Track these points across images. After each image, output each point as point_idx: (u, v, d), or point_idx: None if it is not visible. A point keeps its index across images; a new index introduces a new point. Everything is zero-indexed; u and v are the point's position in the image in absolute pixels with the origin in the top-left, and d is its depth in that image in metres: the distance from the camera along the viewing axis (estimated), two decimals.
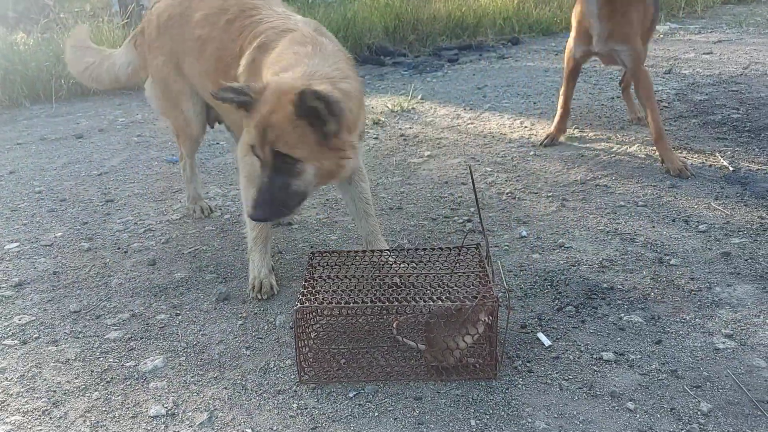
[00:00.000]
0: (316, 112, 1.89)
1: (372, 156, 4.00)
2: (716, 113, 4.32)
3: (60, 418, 1.87)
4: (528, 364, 1.98)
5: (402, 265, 2.43)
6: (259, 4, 2.49)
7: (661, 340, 2.06)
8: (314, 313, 2.15)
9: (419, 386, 1.92)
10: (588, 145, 3.92)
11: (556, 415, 1.77)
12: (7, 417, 1.88)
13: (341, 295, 2.12)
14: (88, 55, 3.14)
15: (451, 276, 2.26)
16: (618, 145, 3.85)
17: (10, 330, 2.35)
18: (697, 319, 2.16)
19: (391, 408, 1.83)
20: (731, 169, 3.37)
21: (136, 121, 5.19)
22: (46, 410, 1.91)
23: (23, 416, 1.89)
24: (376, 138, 4.34)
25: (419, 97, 5.34)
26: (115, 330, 2.32)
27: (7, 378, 2.07)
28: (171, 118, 2.97)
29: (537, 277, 2.49)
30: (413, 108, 5.01)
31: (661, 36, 7.27)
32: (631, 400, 1.81)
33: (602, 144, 3.90)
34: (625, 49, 3.48)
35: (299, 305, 1.95)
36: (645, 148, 3.76)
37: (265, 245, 2.50)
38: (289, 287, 2.52)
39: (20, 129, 5.14)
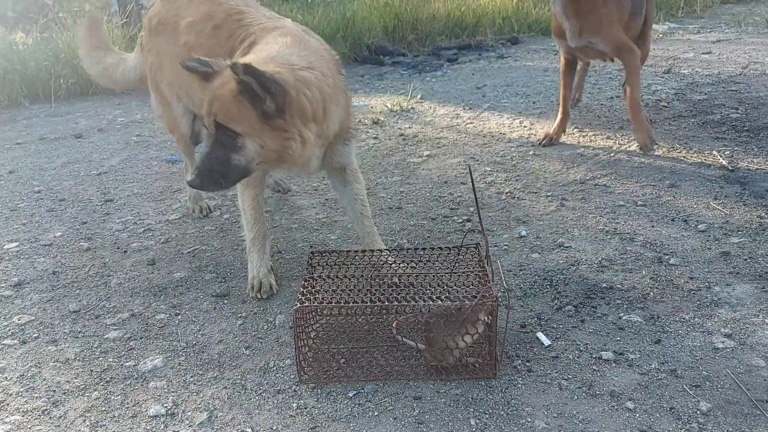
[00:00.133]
0: (252, 88, 1.93)
1: (371, 156, 4.01)
2: (715, 113, 4.32)
3: (59, 417, 1.87)
4: (527, 364, 1.99)
5: (401, 265, 2.43)
6: (245, 9, 2.53)
7: (660, 340, 2.06)
8: (314, 313, 2.15)
9: (419, 386, 1.92)
10: (587, 144, 3.92)
11: (555, 415, 1.77)
12: (7, 417, 1.89)
13: (341, 294, 2.12)
14: (109, 57, 3.24)
15: (450, 276, 2.26)
16: (617, 145, 3.85)
17: (9, 330, 2.35)
18: (696, 319, 2.16)
19: (391, 407, 1.83)
20: (730, 168, 3.37)
21: (135, 121, 5.19)
22: (46, 410, 1.91)
23: (23, 416, 1.89)
24: (375, 138, 4.34)
25: (418, 96, 5.34)
26: (115, 330, 2.32)
27: (6, 378, 2.07)
28: (165, 117, 3.05)
29: (536, 277, 2.49)
30: (412, 108, 5.01)
31: (660, 36, 7.27)
32: (630, 400, 1.81)
33: (601, 144, 3.90)
34: (599, 40, 3.58)
35: (299, 305, 1.96)
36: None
37: (263, 245, 2.51)
38: (288, 287, 2.52)
39: (19, 129, 5.14)
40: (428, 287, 2.17)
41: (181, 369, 2.07)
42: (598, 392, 1.85)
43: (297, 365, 1.96)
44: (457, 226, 2.98)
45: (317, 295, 2.10)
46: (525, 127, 4.37)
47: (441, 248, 2.40)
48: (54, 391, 2.00)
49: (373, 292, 2.10)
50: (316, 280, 2.22)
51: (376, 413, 1.82)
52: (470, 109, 4.93)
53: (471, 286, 2.15)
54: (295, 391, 1.93)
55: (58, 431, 1.82)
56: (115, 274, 2.73)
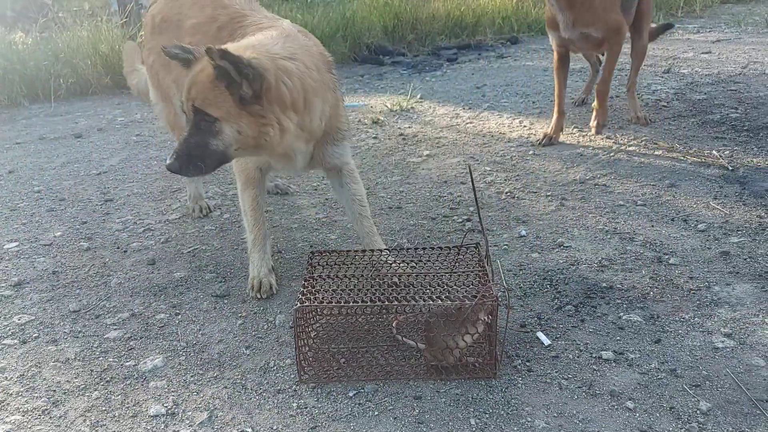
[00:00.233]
0: (228, 73, 1.96)
1: (371, 155, 4.01)
2: (715, 112, 4.32)
3: (60, 417, 1.87)
4: (527, 363, 1.99)
5: (401, 265, 2.44)
6: (248, 13, 2.56)
7: (660, 339, 2.06)
8: (314, 313, 2.15)
9: (419, 385, 1.92)
10: (587, 144, 3.92)
11: (555, 414, 1.77)
12: (7, 416, 1.89)
13: (341, 294, 2.12)
14: (137, 75, 3.36)
15: (450, 275, 2.26)
16: (617, 145, 3.85)
17: (9, 329, 2.35)
18: (696, 318, 2.16)
19: (391, 407, 1.84)
20: (730, 168, 3.37)
21: (135, 121, 5.19)
22: (46, 410, 1.91)
23: (23, 416, 1.89)
24: (375, 137, 4.34)
25: (418, 96, 5.34)
26: (115, 329, 2.32)
27: (6, 377, 2.07)
28: (165, 114, 3.06)
29: (536, 277, 2.49)
30: (412, 107, 5.02)
31: (660, 35, 7.27)
32: (630, 399, 1.81)
33: (601, 143, 3.90)
34: (593, 29, 3.65)
35: (299, 304, 1.96)
36: (644, 148, 3.76)
37: (264, 245, 2.51)
38: (288, 287, 2.52)
39: (19, 128, 5.14)
40: (428, 287, 2.17)
41: (182, 369, 2.07)
42: (598, 392, 1.85)
43: (297, 365, 1.96)
44: (456, 225, 2.98)
45: (317, 295, 2.10)
46: (525, 126, 4.37)
47: (441, 248, 2.40)
48: (54, 390, 2.00)
49: (373, 291, 2.10)
50: (316, 279, 2.22)
51: (376, 413, 1.82)
52: (470, 108, 4.93)
53: (471, 286, 2.15)
54: (295, 390, 1.93)
55: (59, 431, 1.82)
56: (115, 273, 2.73)
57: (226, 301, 2.47)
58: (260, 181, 2.54)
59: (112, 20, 6.90)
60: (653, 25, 4.86)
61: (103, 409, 1.90)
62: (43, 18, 7.15)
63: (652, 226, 2.84)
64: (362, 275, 2.29)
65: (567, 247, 2.70)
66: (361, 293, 2.10)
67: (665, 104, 4.60)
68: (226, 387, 1.97)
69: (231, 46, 2.05)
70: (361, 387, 1.92)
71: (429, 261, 2.37)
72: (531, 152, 3.86)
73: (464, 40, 7.61)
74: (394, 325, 2.15)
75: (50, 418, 1.87)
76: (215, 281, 2.62)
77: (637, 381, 1.88)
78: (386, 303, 1.99)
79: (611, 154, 3.71)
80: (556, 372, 1.94)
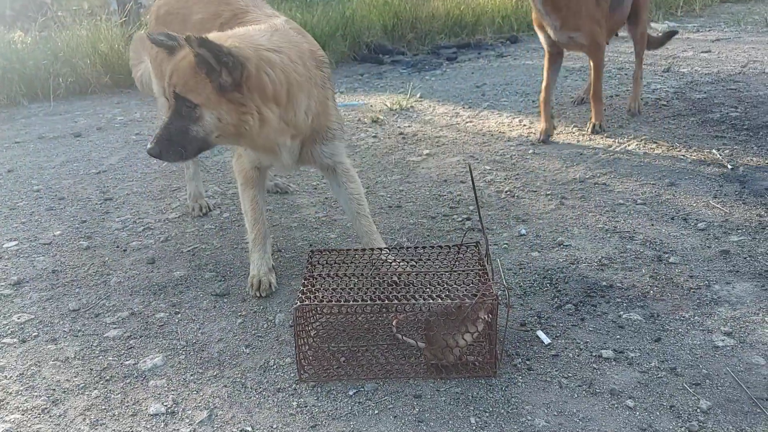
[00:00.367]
0: (207, 61, 1.99)
1: (371, 154, 4.00)
2: (715, 111, 4.32)
3: (59, 416, 1.87)
4: (527, 362, 1.99)
5: (401, 264, 2.43)
6: (250, 9, 2.58)
7: (660, 338, 2.06)
8: (314, 311, 2.15)
9: (419, 384, 1.92)
10: (587, 143, 3.92)
11: (555, 413, 1.77)
12: (7, 415, 1.88)
13: (341, 293, 2.12)
14: (142, 66, 3.37)
15: (450, 274, 2.26)
16: (616, 144, 3.85)
17: (9, 328, 2.34)
18: (696, 317, 2.16)
19: (391, 406, 1.83)
20: (730, 167, 3.37)
21: (134, 120, 5.18)
22: (46, 408, 1.91)
23: (22, 414, 1.89)
24: (374, 136, 4.34)
25: (418, 95, 5.33)
26: (115, 328, 2.32)
27: (6, 376, 2.07)
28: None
29: (536, 275, 2.49)
30: (412, 106, 5.01)
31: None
32: (630, 398, 1.81)
33: (601, 142, 3.90)
34: (578, 35, 3.78)
35: (299, 303, 1.95)
36: (644, 147, 3.76)
37: (264, 245, 2.52)
38: (288, 285, 2.52)
39: (18, 127, 5.14)
40: (428, 286, 2.16)
41: (181, 367, 2.07)
42: (598, 390, 1.85)
43: (297, 364, 1.96)
44: (456, 224, 2.98)
45: (317, 294, 2.10)
46: (524, 125, 4.37)
47: (441, 247, 2.40)
48: (54, 389, 1.99)
49: (373, 290, 2.10)
50: (316, 278, 2.22)
51: (376, 411, 1.82)
52: (470, 107, 4.93)
53: (471, 285, 2.15)
54: (295, 389, 1.93)
55: (58, 430, 1.82)
56: (114, 272, 2.73)
57: (225, 299, 2.46)
58: (259, 181, 2.55)
59: (111, 19, 6.89)
60: (657, 34, 4.95)
61: (103, 407, 1.90)
62: (43, 17, 7.13)
63: (652, 224, 2.83)
64: (362, 274, 2.29)
65: (567, 245, 2.70)
66: (361, 292, 2.10)
67: (665, 103, 4.60)
68: (225, 386, 1.97)
69: (213, 35, 2.08)
70: (361, 386, 1.92)
71: (429, 260, 2.37)
72: (531, 151, 3.86)
73: (464, 39, 7.59)
74: (394, 323, 2.15)
75: (50, 416, 1.87)
76: (215, 280, 2.62)
77: (637, 379, 1.88)
78: (386, 302, 1.99)
79: (611, 153, 3.71)
80: (556, 371, 1.94)
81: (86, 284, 2.64)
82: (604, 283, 2.40)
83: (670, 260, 2.53)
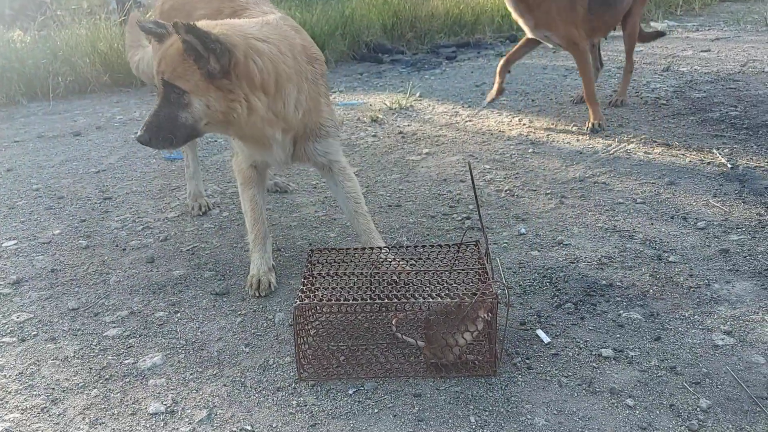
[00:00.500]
0: (195, 48, 1.99)
1: (370, 153, 4.00)
2: (714, 111, 4.32)
3: (59, 415, 1.87)
4: (527, 361, 1.99)
5: (401, 263, 2.43)
6: (250, 6, 2.59)
7: (660, 337, 2.06)
8: (313, 310, 2.14)
9: (419, 383, 1.92)
10: (586, 142, 3.92)
11: (555, 412, 1.77)
12: (6, 414, 1.88)
13: (340, 292, 2.11)
14: (139, 52, 3.33)
15: (450, 273, 2.26)
16: (616, 143, 3.85)
17: (8, 327, 2.34)
18: (696, 316, 2.16)
19: (391, 405, 1.83)
20: (729, 166, 3.37)
21: (133, 119, 5.18)
22: (45, 407, 1.91)
23: (22, 413, 1.88)
24: (374, 136, 4.34)
25: (417, 94, 5.33)
26: (114, 327, 2.31)
27: (5, 375, 2.07)
28: None
29: (536, 274, 2.49)
30: (411, 105, 5.01)
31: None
32: (630, 397, 1.81)
33: (600, 141, 3.90)
34: (551, 34, 3.92)
35: (298, 302, 1.95)
36: (643, 146, 3.76)
37: (264, 244, 2.52)
38: (288, 284, 2.52)
39: (17, 127, 5.13)
40: (428, 285, 2.16)
41: (181, 366, 2.07)
42: (597, 389, 1.85)
43: (296, 362, 1.96)
44: (456, 223, 2.98)
45: (317, 293, 2.10)
46: (524, 124, 4.37)
47: (440, 246, 2.40)
48: (53, 388, 1.99)
49: (373, 289, 2.10)
50: (316, 277, 2.22)
51: (375, 410, 1.81)
52: (469, 106, 4.93)
53: (471, 284, 2.15)
54: (294, 388, 1.93)
55: (58, 429, 1.82)
56: (114, 271, 2.73)
57: (225, 299, 2.46)
58: (258, 180, 2.55)
59: (110, 18, 6.88)
60: (649, 30, 5.02)
61: (102, 407, 1.90)
62: (42, 16, 7.13)
63: (652, 224, 2.83)
64: (362, 273, 2.29)
65: (566, 245, 2.70)
66: (361, 291, 2.10)
67: (664, 102, 4.60)
68: (225, 385, 1.97)
69: (202, 23, 2.08)
70: (360, 385, 1.92)
71: (429, 259, 2.37)
72: (530, 150, 3.85)
73: (463, 38, 7.60)
74: (393, 322, 2.15)
75: (49, 416, 1.87)
76: (214, 279, 2.61)
77: (637, 378, 1.88)
78: (386, 301, 1.99)
79: (610, 152, 3.71)
80: (555, 369, 1.94)
81: (85, 283, 2.64)
82: (604, 282, 2.40)
83: (670, 259, 2.53)
